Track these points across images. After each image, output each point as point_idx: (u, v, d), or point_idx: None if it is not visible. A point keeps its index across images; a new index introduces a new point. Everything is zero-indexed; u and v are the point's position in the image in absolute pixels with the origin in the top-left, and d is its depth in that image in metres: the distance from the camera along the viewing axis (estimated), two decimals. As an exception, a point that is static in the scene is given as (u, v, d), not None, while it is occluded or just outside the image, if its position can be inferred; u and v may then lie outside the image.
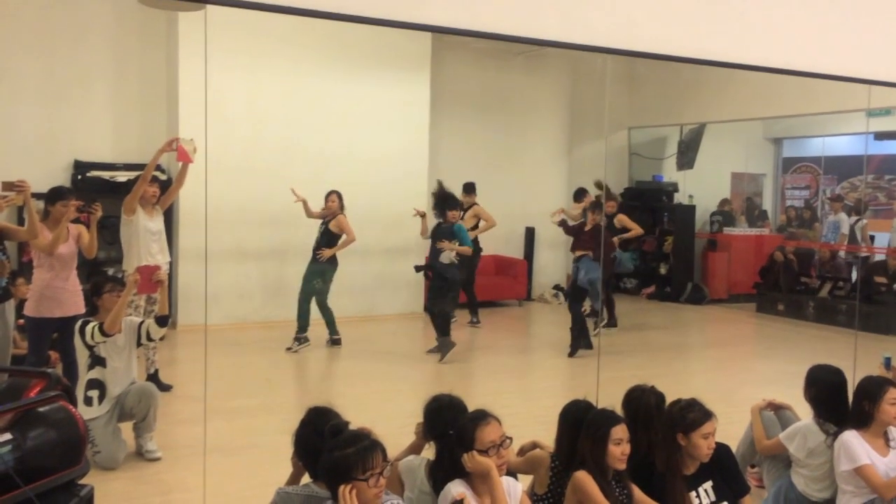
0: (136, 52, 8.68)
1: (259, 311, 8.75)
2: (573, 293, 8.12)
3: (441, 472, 3.07)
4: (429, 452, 3.34)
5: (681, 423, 3.41)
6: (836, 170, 12.83)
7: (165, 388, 6.04)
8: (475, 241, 8.98)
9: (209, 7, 3.75)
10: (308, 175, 8.89)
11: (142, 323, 4.94)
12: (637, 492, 3.29)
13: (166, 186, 6.66)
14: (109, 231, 7.14)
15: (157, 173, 7.24)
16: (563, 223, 8.60)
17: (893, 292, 9.54)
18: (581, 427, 3.26)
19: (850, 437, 3.72)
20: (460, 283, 7.85)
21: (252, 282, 8.78)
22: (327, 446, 2.71)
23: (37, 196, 5.36)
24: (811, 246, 11.55)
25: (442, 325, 7.56)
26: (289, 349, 7.63)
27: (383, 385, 6.82)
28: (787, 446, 3.98)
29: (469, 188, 9.30)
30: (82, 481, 2.48)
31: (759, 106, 10.32)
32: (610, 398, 3.62)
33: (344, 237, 7.75)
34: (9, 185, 5.10)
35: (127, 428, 4.84)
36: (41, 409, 2.39)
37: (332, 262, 7.79)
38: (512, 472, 3.29)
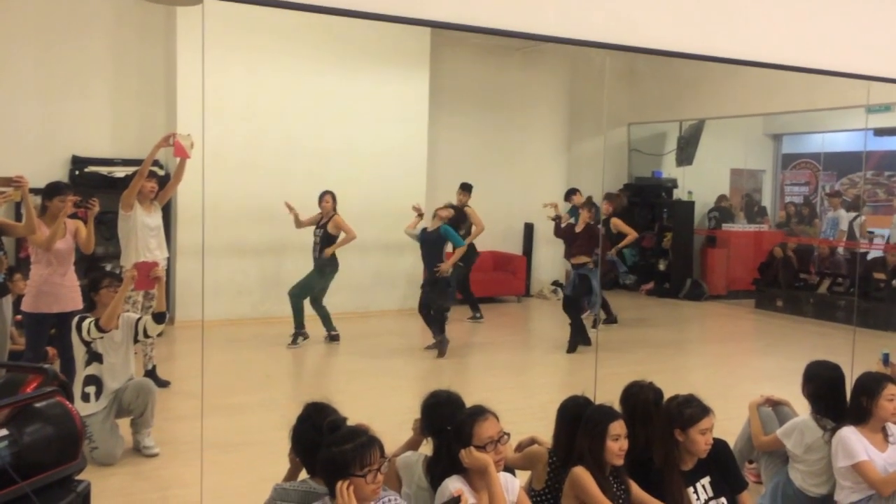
0: (134, 48, 8.67)
1: (257, 307, 8.75)
2: (568, 302, 8.06)
3: (439, 468, 3.06)
4: (426, 448, 3.34)
5: (678, 419, 3.41)
6: (835, 166, 12.83)
7: (163, 384, 6.04)
8: (470, 244, 8.98)
9: (206, 2, 3.74)
10: (306, 171, 8.90)
11: (139, 319, 4.93)
12: (635, 487, 3.29)
13: (164, 182, 6.65)
14: (107, 226, 7.14)
15: (155, 169, 7.24)
16: (556, 219, 8.44)
17: (892, 289, 9.55)
18: (579, 423, 3.26)
19: (849, 434, 3.72)
20: (455, 283, 7.88)
21: (250, 278, 8.78)
22: (325, 442, 2.71)
23: (34, 191, 5.35)
24: (810, 242, 11.55)
25: (440, 324, 7.58)
26: (291, 345, 7.64)
27: (381, 381, 6.82)
28: (784, 442, 3.99)
29: (465, 188, 9.27)
30: (79, 477, 2.47)
31: (758, 102, 10.31)
32: (608, 394, 3.61)
33: (343, 235, 7.74)
34: (6, 181, 5.08)
35: (124, 424, 4.84)
36: (38, 405, 2.38)
37: (334, 264, 7.78)
38: (510, 468, 3.29)
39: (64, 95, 8.32)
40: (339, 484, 2.59)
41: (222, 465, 4.57)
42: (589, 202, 8.57)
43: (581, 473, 3.15)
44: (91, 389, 4.68)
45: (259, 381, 6.74)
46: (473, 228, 9.02)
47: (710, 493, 3.47)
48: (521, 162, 11.12)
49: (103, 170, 8.21)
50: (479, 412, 3.03)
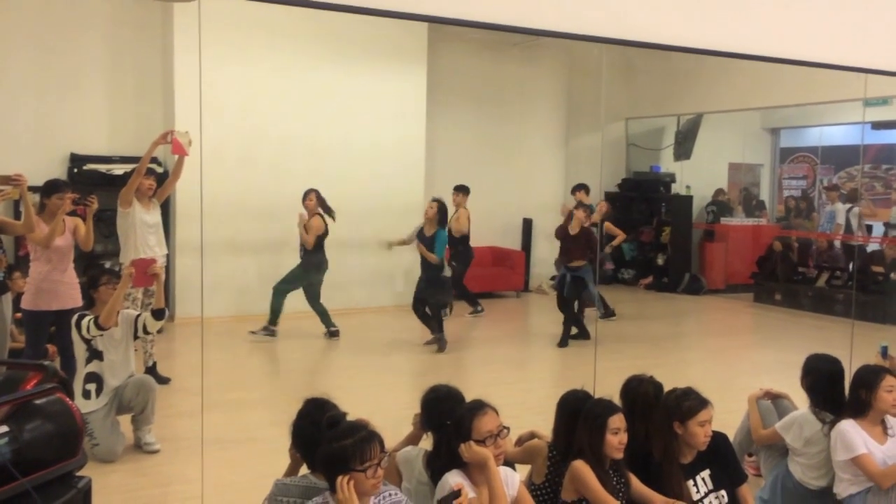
0: (131, 45, 8.65)
1: (256, 304, 8.71)
2: (563, 302, 8.03)
3: (438, 463, 3.07)
4: (426, 443, 3.34)
5: (677, 412, 3.42)
6: (833, 159, 12.83)
7: (163, 380, 6.04)
8: (466, 245, 8.98)
9: (203, -2, 3.74)
10: (304, 167, 8.90)
11: (138, 316, 4.93)
12: (635, 481, 3.29)
13: (163, 179, 6.65)
14: (106, 224, 7.13)
15: (154, 166, 7.24)
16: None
17: (890, 281, 9.56)
18: (579, 417, 3.27)
19: (848, 427, 3.73)
20: (451, 282, 7.91)
21: (249, 274, 8.77)
22: (325, 437, 2.71)
23: (33, 189, 5.33)
24: (808, 236, 11.55)
25: (438, 322, 7.62)
26: (252, 332, 7.63)
27: (380, 376, 6.83)
28: (783, 435, 3.99)
29: (461, 189, 9.26)
30: (80, 473, 2.48)
31: (756, 96, 10.30)
32: (607, 388, 3.62)
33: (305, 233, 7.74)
34: (5, 179, 5.08)
35: (125, 421, 4.85)
36: (38, 402, 2.39)
37: (322, 262, 7.80)
38: (509, 462, 3.30)
39: (61, 93, 8.31)
40: (339, 479, 2.60)
41: (223, 460, 4.58)
42: (581, 204, 8.48)
43: (581, 467, 3.16)
44: (92, 386, 4.68)
45: (259, 377, 6.75)
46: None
47: (710, 486, 3.48)
48: (518, 157, 11.11)
49: (101, 167, 8.21)
50: (479, 407, 3.04)
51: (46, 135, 8.19)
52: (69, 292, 5.39)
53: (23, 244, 7.24)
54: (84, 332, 4.64)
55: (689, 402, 3.42)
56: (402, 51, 9.57)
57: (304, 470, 3.09)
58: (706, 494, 3.46)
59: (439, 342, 7.57)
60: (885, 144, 12.03)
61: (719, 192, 12.50)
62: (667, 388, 3.62)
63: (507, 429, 3.04)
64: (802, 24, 4.53)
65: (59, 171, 7.87)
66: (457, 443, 2.95)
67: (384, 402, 5.77)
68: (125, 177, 6.67)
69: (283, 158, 8.79)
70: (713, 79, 10.54)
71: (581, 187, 9.45)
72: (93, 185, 7.41)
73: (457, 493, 2.80)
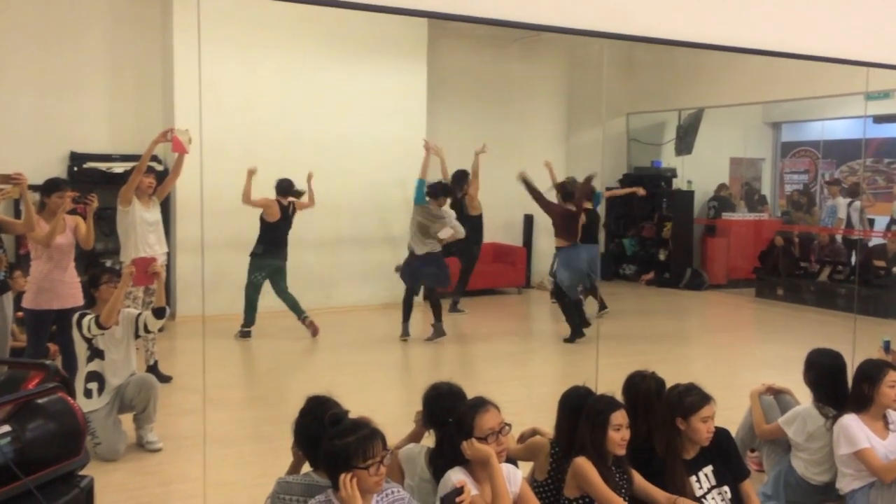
0: (131, 43, 8.64)
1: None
2: (557, 289, 8.02)
3: (441, 460, 3.07)
4: (429, 440, 3.34)
5: (679, 408, 3.41)
6: (834, 154, 12.81)
7: (165, 379, 6.04)
8: (478, 232, 8.96)
9: (202, -5, 3.73)
10: (305, 164, 8.87)
11: (139, 315, 4.93)
12: (637, 477, 3.29)
13: (163, 177, 6.64)
14: (106, 222, 7.13)
15: (154, 164, 7.23)
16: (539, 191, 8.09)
17: (892, 276, 9.55)
18: (581, 413, 3.26)
19: (850, 421, 3.72)
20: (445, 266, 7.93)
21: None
22: (327, 435, 2.71)
23: (33, 188, 5.33)
24: (810, 230, 11.54)
25: (436, 310, 7.72)
26: (238, 336, 7.67)
27: (382, 373, 6.83)
28: (786, 430, 3.99)
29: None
30: (82, 472, 2.47)
31: (757, 90, 10.29)
32: (609, 384, 3.62)
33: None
34: (5, 178, 5.07)
35: (127, 419, 4.85)
36: (40, 401, 2.39)
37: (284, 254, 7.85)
38: (512, 459, 3.29)
39: (61, 91, 8.30)
40: (342, 476, 2.60)
41: (225, 459, 4.58)
42: (563, 187, 8.33)
43: (583, 464, 3.15)
44: (93, 385, 4.68)
45: (261, 375, 6.75)
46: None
47: (713, 482, 3.48)
48: (519, 153, 11.07)
49: (102, 165, 8.20)
50: (481, 404, 3.03)
51: (46, 133, 8.18)
52: (70, 291, 5.39)
53: (23, 243, 7.24)
54: (85, 330, 4.64)
55: (692, 398, 3.41)
56: (403, 47, 9.55)
57: (306, 468, 3.09)
58: (709, 490, 3.45)
59: (437, 331, 7.62)
60: (886, 138, 12.01)
61: (722, 186, 12.49)
62: (669, 383, 3.61)
63: (510, 426, 3.04)
64: (804, 17, 4.52)
65: (59, 170, 7.87)
66: (459, 440, 2.94)
67: (386, 399, 5.77)
68: (125, 175, 6.67)
69: (283, 155, 8.77)
70: (714, 73, 10.52)
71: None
72: (93, 184, 7.40)
73: (459, 491, 2.80)
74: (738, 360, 7.69)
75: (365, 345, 7.80)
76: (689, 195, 12.09)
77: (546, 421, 3.66)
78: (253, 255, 7.70)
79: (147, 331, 4.99)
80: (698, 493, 3.40)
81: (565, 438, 3.37)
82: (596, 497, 3.13)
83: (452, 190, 8.45)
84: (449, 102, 10.43)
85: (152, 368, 6.13)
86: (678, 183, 12.27)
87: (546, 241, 11.15)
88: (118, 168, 8.06)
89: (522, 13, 3.68)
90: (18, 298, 5.55)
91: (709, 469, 3.49)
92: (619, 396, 3.46)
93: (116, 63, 8.59)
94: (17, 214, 6.68)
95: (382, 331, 8.31)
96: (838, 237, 10.85)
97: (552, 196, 8.34)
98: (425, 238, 7.65)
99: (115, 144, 8.45)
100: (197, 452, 4.21)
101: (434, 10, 3.58)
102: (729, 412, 4.08)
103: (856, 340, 5.02)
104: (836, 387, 3.97)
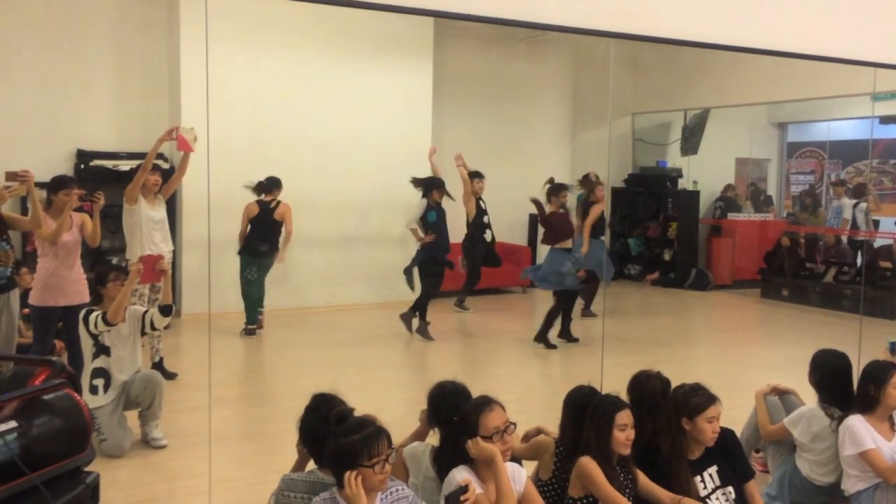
0: (137, 41, 8.66)
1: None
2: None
3: (445, 459, 3.07)
4: (433, 439, 3.34)
5: (685, 408, 3.41)
6: (841, 154, 12.76)
7: (170, 376, 6.05)
8: (487, 230, 8.94)
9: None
10: (310, 163, 8.90)
11: (146, 312, 4.94)
12: (642, 477, 3.29)
13: (169, 175, 6.65)
14: (113, 220, 7.14)
15: (160, 162, 7.23)
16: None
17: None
18: (585, 413, 3.26)
19: (856, 422, 3.72)
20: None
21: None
22: (332, 433, 2.72)
23: (40, 185, 5.36)
24: (816, 231, 11.51)
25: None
26: (243, 333, 7.74)
27: (387, 372, 6.84)
28: (791, 431, 3.99)
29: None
30: (88, 468, 2.49)
31: (763, 90, 10.26)
32: (614, 384, 3.61)
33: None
34: (12, 175, 5.10)
35: (133, 416, 4.86)
36: (46, 397, 2.40)
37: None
38: (516, 458, 3.29)
39: (68, 90, 8.32)
40: (347, 474, 2.60)
41: (230, 456, 4.59)
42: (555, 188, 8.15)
43: (588, 463, 3.15)
44: (99, 382, 4.70)
45: (266, 372, 6.76)
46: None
47: (718, 482, 3.47)
48: (525, 152, 11.09)
49: (108, 163, 8.23)
50: (486, 402, 3.03)
51: (53, 131, 8.21)
52: (76, 288, 5.41)
53: (30, 240, 7.26)
54: (92, 327, 4.65)
55: (698, 399, 3.41)
56: (409, 46, 9.55)
57: (311, 465, 3.09)
58: (713, 490, 3.45)
59: (424, 330, 7.70)
60: (893, 139, 11.96)
61: (728, 187, 12.46)
62: (674, 383, 3.60)
63: (514, 425, 3.04)
64: (811, 17, 4.50)
65: (65, 168, 7.90)
66: (464, 439, 2.95)
67: (391, 397, 5.77)
68: (132, 173, 6.68)
69: (289, 154, 8.79)
70: (720, 73, 10.50)
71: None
72: (99, 181, 7.42)
73: (464, 489, 2.80)
74: (744, 360, 7.67)
75: (370, 343, 7.81)
76: (695, 195, 12.06)
77: (551, 420, 3.66)
78: (239, 253, 7.78)
79: (153, 328, 5.00)
80: (703, 493, 3.40)
81: (570, 438, 3.36)
82: (600, 497, 3.13)
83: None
84: (454, 102, 10.44)
85: (158, 365, 6.14)
86: (684, 183, 12.25)
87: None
88: (125, 166, 8.08)
89: (528, 13, 3.68)
90: (25, 295, 5.57)
91: (713, 469, 3.49)
92: (624, 396, 3.46)
93: (123, 61, 8.61)
94: (25, 211, 6.71)
95: (386, 329, 8.32)
96: (844, 238, 10.82)
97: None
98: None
99: (122, 142, 8.48)
100: (202, 449, 4.22)
101: (440, 9, 3.58)
102: (734, 412, 4.08)
103: (861, 342, 5.00)
104: (841, 388, 3.96)
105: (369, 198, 9.24)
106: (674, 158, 12.41)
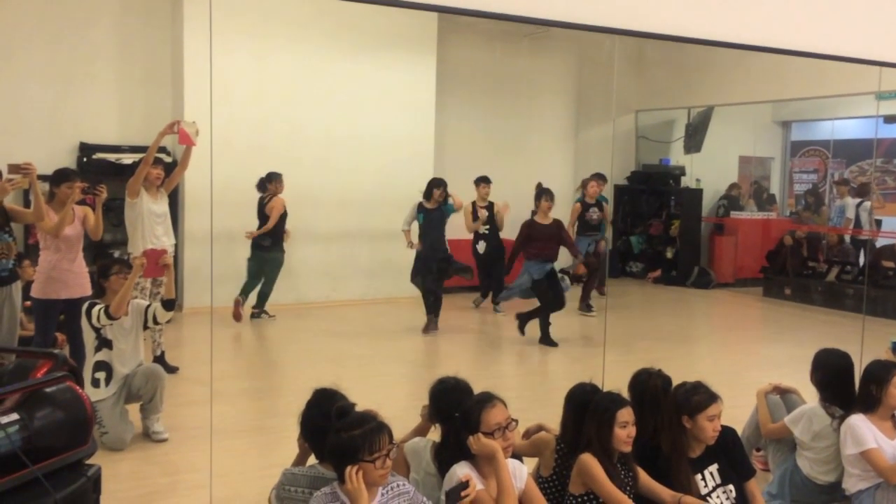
0: (140, 34, 8.65)
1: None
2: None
3: (447, 455, 3.08)
4: (434, 435, 3.34)
5: (686, 406, 3.41)
6: (844, 154, 12.73)
7: (172, 369, 6.06)
8: (496, 235, 8.94)
9: (214, -13, 3.73)
10: (313, 157, 8.89)
11: (148, 306, 4.95)
12: (642, 474, 3.29)
13: (171, 169, 6.65)
14: (115, 213, 7.15)
15: (162, 156, 7.25)
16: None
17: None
18: (587, 410, 3.26)
19: (857, 421, 3.71)
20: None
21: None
22: (334, 428, 2.72)
23: (42, 178, 5.35)
24: (819, 230, 11.49)
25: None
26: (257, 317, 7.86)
27: (388, 367, 6.84)
28: (792, 430, 3.98)
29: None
30: (90, 461, 2.49)
31: (767, 89, 10.23)
32: (616, 381, 3.61)
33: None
34: (15, 168, 5.09)
35: (134, 409, 4.87)
36: (48, 390, 2.40)
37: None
38: (517, 455, 3.29)
39: (71, 82, 8.32)
40: (348, 469, 2.61)
41: (231, 450, 4.60)
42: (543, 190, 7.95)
43: (589, 460, 3.15)
44: (101, 375, 4.70)
45: (268, 366, 6.76)
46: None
47: (718, 481, 3.47)
48: (528, 149, 11.07)
49: (111, 156, 8.22)
50: (487, 399, 3.03)
51: (56, 124, 8.21)
52: (78, 281, 5.41)
53: (32, 233, 7.25)
54: (94, 320, 4.66)
55: (699, 397, 3.41)
56: (412, 41, 9.54)
57: (312, 460, 3.09)
58: (714, 489, 3.45)
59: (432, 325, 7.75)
60: (897, 138, 11.94)
61: (733, 186, 12.43)
62: (675, 381, 3.60)
63: (516, 421, 3.04)
64: (815, 15, 4.49)
65: (68, 160, 7.89)
66: (465, 435, 2.95)
67: (392, 392, 5.78)
68: (134, 166, 6.68)
69: (291, 148, 8.79)
70: (724, 71, 10.47)
71: (598, 176, 9.40)
72: (102, 175, 7.42)
73: (465, 485, 2.80)
74: (745, 358, 7.67)
75: (372, 338, 7.82)
76: (698, 193, 12.04)
77: (552, 417, 3.66)
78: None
79: (156, 322, 5.00)
80: (703, 491, 3.40)
81: (571, 435, 3.36)
82: (601, 494, 3.13)
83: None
84: (458, 97, 10.42)
85: (159, 359, 6.15)
86: (687, 181, 12.23)
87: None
88: (127, 159, 8.08)
89: (532, 8, 3.67)
90: (27, 288, 5.57)
91: (714, 467, 3.49)
92: (625, 394, 3.46)
93: (126, 54, 8.60)
94: (27, 204, 6.70)
95: (388, 325, 8.33)
96: (847, 237, 10.80)
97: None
98: None
99: (125, 136, 8.47)
100: (203, 443, 4.22)
101: (444, 4, 3.57)
102: (735, 411, 4.07)
103: (864, 341, 5.00)
104: (843, 387, 3.95)
105: (372, 193, 9.23)
106: (677, 156, 12.39)
